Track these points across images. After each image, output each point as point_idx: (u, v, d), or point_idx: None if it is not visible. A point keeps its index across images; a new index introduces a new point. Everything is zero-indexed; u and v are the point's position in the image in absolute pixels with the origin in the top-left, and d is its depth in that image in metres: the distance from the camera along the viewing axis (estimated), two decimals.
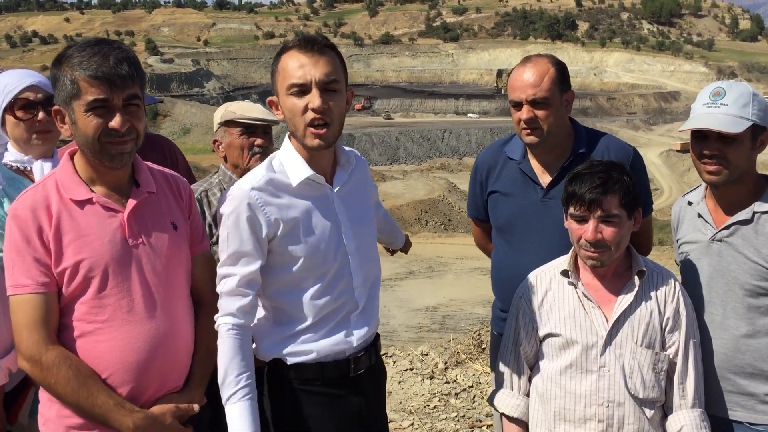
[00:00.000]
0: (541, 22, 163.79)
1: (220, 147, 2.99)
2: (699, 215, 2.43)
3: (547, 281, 2.41)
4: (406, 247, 3.11)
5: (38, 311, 1.87)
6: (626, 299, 2.29)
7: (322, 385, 2.16)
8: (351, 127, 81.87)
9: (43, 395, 1.97)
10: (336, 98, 2.06)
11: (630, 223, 2.27)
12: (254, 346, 2.17)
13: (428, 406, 5.17)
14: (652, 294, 2.31)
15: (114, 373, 1.93)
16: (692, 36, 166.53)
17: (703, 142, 2.28)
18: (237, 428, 1.97)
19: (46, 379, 1.87)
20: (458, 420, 4.93)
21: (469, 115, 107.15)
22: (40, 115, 2.42)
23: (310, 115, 2.02)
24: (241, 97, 48.65)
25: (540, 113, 2.52)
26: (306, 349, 2.14)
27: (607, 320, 2.29)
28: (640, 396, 2.26)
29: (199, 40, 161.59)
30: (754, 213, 2.29)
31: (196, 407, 2.07)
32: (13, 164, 2.45)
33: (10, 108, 2.43)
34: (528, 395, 2.45)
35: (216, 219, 2.66)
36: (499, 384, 2.52)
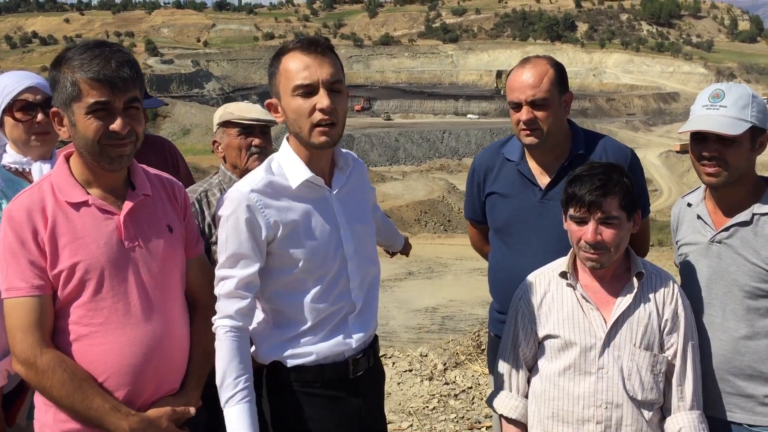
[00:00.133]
0: (540, 23, 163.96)
1: (219, 148, 2.99)
2: (698, 217, 2.43)
3: (546, 283, 2.41)
4: (406, 249, 3.11)
5: (33, 314, 1.86)
6: (625, 301, 2.29)
7: (322, 387, 2.15)
8: (351, 128, 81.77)
9: (38, 400, 1.96)
10: (340, 98, 2.07)
11: (629, 225, 2.27)
12: (253, 349, 2.17)
13: (427, 407, 5.16)
14: (651, 296, 2.31)
15: (110, 377, 1.92)
16: (691, 37, 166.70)
17: (703, 144, 2.28)
18: (236, 431, 1.97)
19: (41, 382, 1.86)
20: (457, 421, 4.93)
21: (468, 116, 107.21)
22: (39, 116, 2.42)
23: (318, 115, 2.03)
24: (241, 98, 48.68)
25: (539, 114, 2.52)
26: (305, 351, 2.14)
27: (605, 322, 2.29)
28: (639, 398, 2.26)
29: (198, 41, 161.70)
30: (754, 215, 2.29)
31: (192, 410, 2.06)
32: (12, 166, 2.45)
33: (9, 109, 2.42)
34: (527, 397, 2.45)
35: (215, 219, 2.66)
36: (497, 385, 2.52)
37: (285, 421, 2.16)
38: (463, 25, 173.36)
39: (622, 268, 2.34)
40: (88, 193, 1.96)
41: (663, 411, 2.34)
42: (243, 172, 2.85)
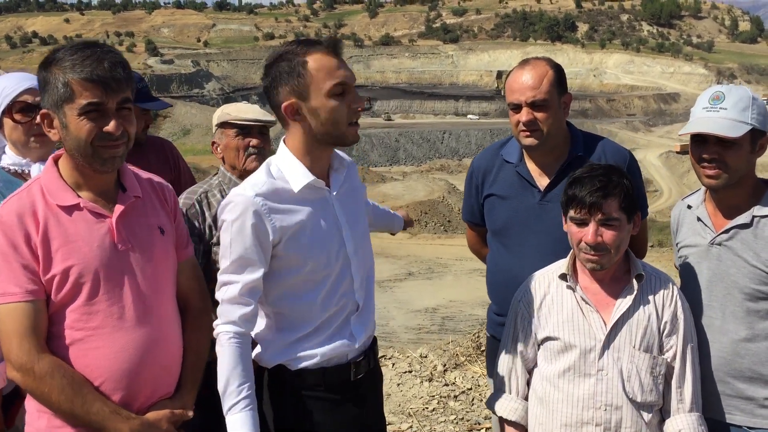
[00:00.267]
0: (540, 24, 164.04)
1: (218, 149, 2.99)
2: (698, 219, 2.42)
3: (546, 285, 2.41)
4: (408, 225, 3.15)
5: (28, 319, 1.83)
6: (624, 303, 2.29)
7: (325, 391, 2.15)
8: None
9: (31, 406, 1.93)
10: None
11: (629, 226, 2.26)
12: (254, 353, 2.16)
13: (427, 408, 5.16)
14: (651, 298, 2.31)
15: (106, 381, 1.90)
16: (692, 38, 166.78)
17: (703, 146, 2.28)
18: None
19: (39, 388, 1.82)
20: (457, 423, 4.93)
21: (468, 116, 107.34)
22: (38, 118, 2.42)
23: (353, 113, 2.09)
24: (241, 98, 48.73)
25: (539, 115, 2.51)
26: (310, 353, 2.13)
27: (605, 324, 2.28)
28: (638, 400, 2.26)
29: (199, 41, 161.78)
30: (754, 217, 2.29)
31: (190, 413, 2.05)
32: (11, 167, 2.44)
33: (8, 111, 2.42)
34: (526, 399, 2.45)
35: (216, 220, 2.66)
36: (497, 387, 2.52)
37: (287, 424, 2.16)
38: (464, 26, 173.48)
39: (621, 270, 2.34)
40: (79, 196, 1.92)
41: (662, 413, 2.34)
42: (241, 173, 2.85)
